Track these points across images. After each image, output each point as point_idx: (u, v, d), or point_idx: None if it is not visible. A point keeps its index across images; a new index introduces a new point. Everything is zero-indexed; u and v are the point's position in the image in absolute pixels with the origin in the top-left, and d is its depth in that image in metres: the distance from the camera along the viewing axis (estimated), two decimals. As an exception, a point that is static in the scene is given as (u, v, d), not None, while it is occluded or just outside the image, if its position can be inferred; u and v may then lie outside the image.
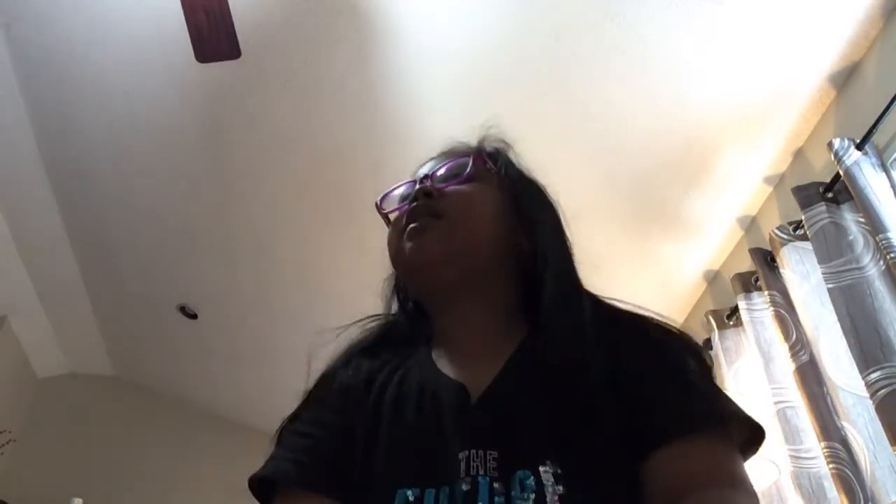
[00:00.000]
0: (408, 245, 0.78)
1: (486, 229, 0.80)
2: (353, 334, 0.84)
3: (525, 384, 0.70)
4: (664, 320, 0.76)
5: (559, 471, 0.62)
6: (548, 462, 0.63)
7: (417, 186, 0.82)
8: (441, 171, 0.84)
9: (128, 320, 3.89)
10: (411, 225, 0.79)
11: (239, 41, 1.96)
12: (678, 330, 0.76)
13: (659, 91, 2.12)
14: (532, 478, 0.62)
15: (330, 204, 2.76)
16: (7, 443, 3.55)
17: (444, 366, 0.76)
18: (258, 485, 0.71)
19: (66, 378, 4.25)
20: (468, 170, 0.82)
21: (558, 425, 0.66)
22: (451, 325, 0.80)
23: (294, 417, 0.77)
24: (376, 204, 0.88)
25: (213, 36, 1.92)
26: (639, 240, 2.55)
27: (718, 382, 0.73)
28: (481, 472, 0.64)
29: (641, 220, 2.49)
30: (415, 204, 0.80)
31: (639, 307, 0.78)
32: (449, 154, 0.88)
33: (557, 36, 2.05)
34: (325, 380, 0.81)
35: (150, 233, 3.18)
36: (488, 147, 0.90)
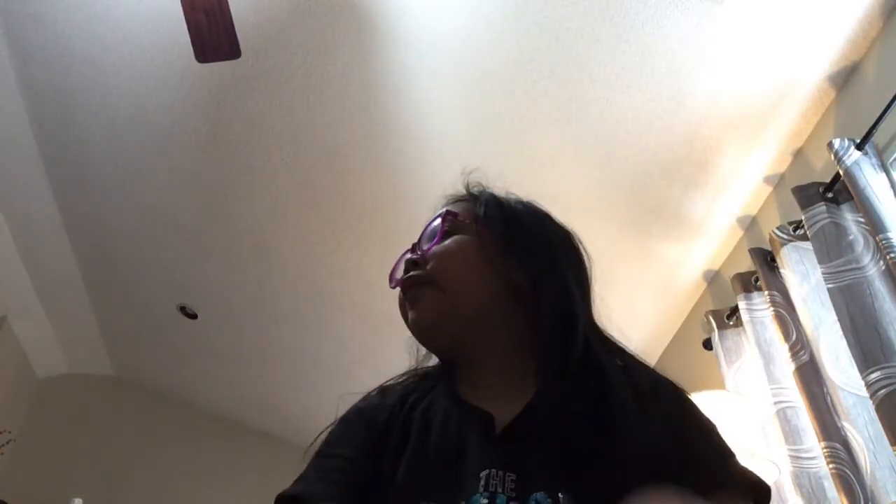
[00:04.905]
0: (410, 315, 0.85)
1: (472, 279, 0.83)
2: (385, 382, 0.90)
3: (547, 421, 0.73)
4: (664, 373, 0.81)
5: (575, 502, 0.65)
6: (566, 491, 0.66)
7: (408, 257, 0.88)
8: (424, 235, 0.89)
9: (128, 320, 3.90)
10: (407, 296, 0.85)
11: (239, 41, 1.96)
12: (679, 385, 0.80)
13: (659, 91, 2.12)
14: (550, 500, 0.65)
15: (330, 203, 2.76)
16: (7, 443, 3.55)
17: (469, 397, 0.79)
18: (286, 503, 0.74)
19: (66, 378, 4.26)
20: (440, 229, 0.86)
21: (577, 461, 0.69)
22: (473, 370, 0.84)
23: (325, 441, 0.81)
24: (389, 280, 0.92)
25: (213, 36, 1.92)
26: (639, 240, 2.55)
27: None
28: (500, 490, 0.67)
29: (641, 220, 2.49)
30: (407, 275, 0.85)
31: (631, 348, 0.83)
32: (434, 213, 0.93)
33: (557, 36, 2.05)
34: (356, 408, 0.85)
35: (150, 232, 3.18)
36: (469, 193, 0.93)
